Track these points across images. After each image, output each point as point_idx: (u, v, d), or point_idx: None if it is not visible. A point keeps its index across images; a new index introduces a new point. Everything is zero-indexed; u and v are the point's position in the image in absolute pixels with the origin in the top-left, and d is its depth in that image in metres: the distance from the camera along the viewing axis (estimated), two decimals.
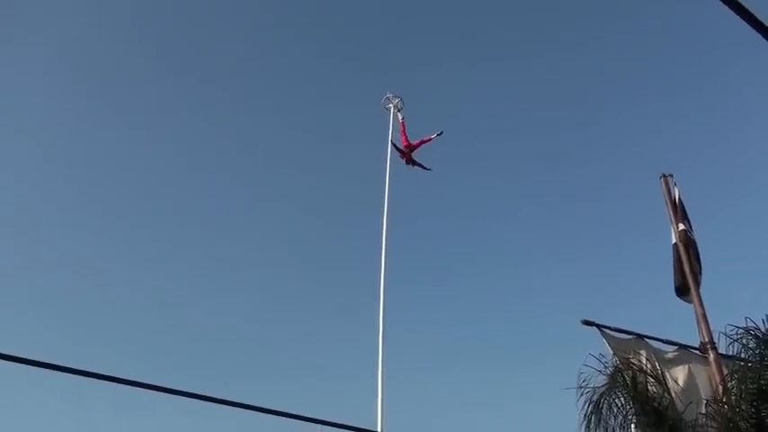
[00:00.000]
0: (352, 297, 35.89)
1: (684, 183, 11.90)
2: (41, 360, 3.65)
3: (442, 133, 22.42)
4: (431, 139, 22.14)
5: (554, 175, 43.87)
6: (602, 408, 9.19)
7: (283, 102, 45.59)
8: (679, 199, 11.54)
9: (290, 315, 40.54)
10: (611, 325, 10.10)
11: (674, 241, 11.11)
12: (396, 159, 21.64)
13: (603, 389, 9.33)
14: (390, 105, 23.19)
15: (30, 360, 3.57)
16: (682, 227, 11.18)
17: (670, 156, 38.31)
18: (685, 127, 42.54)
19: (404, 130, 22.24)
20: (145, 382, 3.76)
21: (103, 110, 42.77)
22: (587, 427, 9.05)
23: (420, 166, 21.84)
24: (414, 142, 21.96)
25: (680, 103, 42.08)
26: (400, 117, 22.72)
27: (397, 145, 21.81)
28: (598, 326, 10.11)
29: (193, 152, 44.11)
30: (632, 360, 9.70)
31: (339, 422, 4.41)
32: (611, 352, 9.88)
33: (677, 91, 42.02)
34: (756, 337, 9.30)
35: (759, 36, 3.97)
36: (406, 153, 21.63)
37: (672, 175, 11.75)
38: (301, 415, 4.12)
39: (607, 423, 9.12)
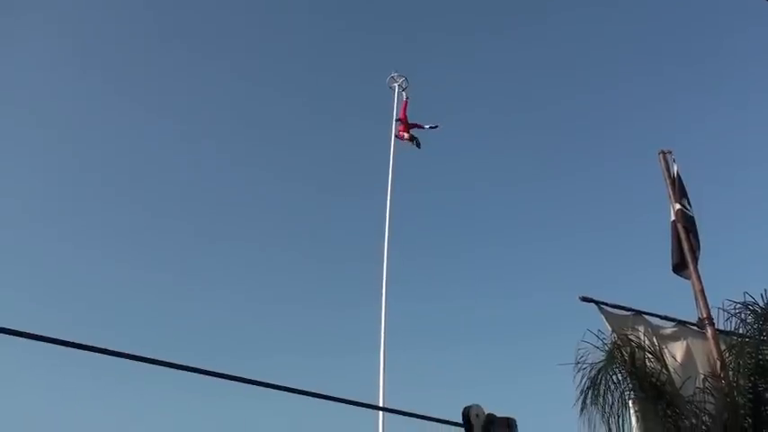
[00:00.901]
0: (354, 273, 35.61)
1: (683, 158, 11.85)
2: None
3: (437, 127, 22.42)
4: (423, 127, 22.14)
5: (553, 149, 43.33)
6: (599, 384, 9.21)
7: (282, 73, 44.80)
8: (678, 175, 11.49)
9: (290, 289, 40.24)
10: (610, 301, 10.08)
11: (672, 218, 11.09)
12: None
13: (601, 365, 9.34)
14: (395, 84, 23.09)
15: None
16: (679, 205, 11.15)
17: (669, 130, 37.89)
18: (685, 101, 42.06)
19: (405, 109, 22.24)
20: (135, 354, 3.73)
21: (95, 80, 41.73)
22: (584, 402, 9.07)
23: (414, 142, 21.77)
24: (410, 122, 22.00)
25: (680, 75, 41.56)
26: (404, 96, 22.68)
27: (397, 124, 21.89)
28: (596, 302, 10.10)
29: (189, 125, 43.43)
30: (630, 336, 9.72)
31: (340, 396, 4.37)
32: (610, 328, 9.88)
33: (678, 62, 41.42)
34: (755, 311, 9.32)
35: (764, 4, 3.89)
36: (404, 128, 21.66)
37: (671, 152, 11.69)
38: (301, 389, 4.09)
39: (604, 399, 9.14)
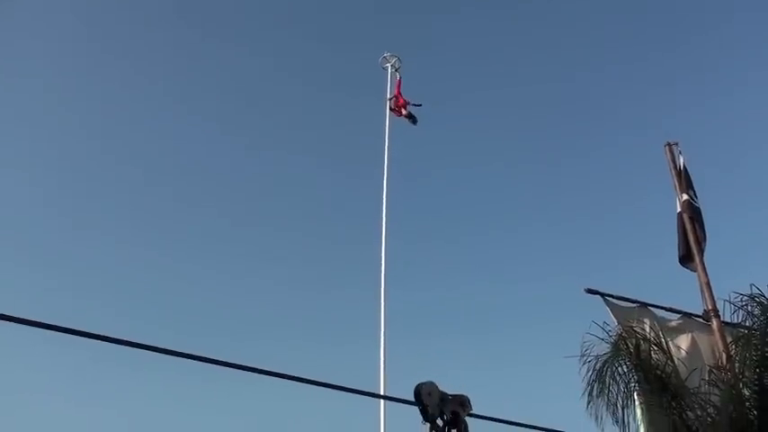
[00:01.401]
0: (352, 255, 34.87)
1: (689, 148, 11.79)
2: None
3: (420, 105, 22.00)
4: (408, 104, 21.74)
5: (558, 132, 42.08)
6: (605, 376, 9.20)
7: (274, 43, 43.65)
8: (684, 167, 11.45)
9: (286, 273, 38.74)
10: (614, 292, 10.08)
11: (678, 210, 11.05)
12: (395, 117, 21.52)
13: (606, 357, 9.33)
14: (388, 65, 22.77)
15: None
16: (686, 196, 11.12)
17: (673, 114, 37.14)
18: (688, 85, 41.12)
19: (399, 88, 21.96)
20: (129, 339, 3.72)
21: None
22: (590, 394, 9.07)
23: (409, 118, 21.53)
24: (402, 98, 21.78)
25: (684, 63, 40.75)
26: (398, 76, 22.37)
27: (392, 101, 21.66)
28: (602, 294, 10.11)
29: (179, 95, 42.31)
30: (636, 328, 9.70)
31: (340, 384, 4.35)
32: (615, 320, 9.88)
33: (683, 50, 40.53)
34: (761, 304, 9.27)
35: None
36: (400, 104, 21.49)
37: (677, 144, 11.66)
38: (300, 377, 4.08)
39: (610, 391, 9.13)
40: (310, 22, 42.08)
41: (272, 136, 42.89)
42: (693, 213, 11.03)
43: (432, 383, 4.75)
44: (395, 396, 5.32)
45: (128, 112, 39.87)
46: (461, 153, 40.62)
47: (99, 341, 3.53)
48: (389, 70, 22.62)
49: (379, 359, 15.52)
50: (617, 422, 8.90)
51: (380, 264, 17.43)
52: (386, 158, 19.94)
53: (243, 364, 3.80)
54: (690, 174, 11.35)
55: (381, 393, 13.01)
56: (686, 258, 10.77)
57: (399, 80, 22.28)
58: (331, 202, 41.27)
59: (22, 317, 3.74)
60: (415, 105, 21.85)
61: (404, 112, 21.44)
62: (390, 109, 21.43)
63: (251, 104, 42.91)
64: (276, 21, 43.80)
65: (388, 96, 21.78)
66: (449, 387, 4.87)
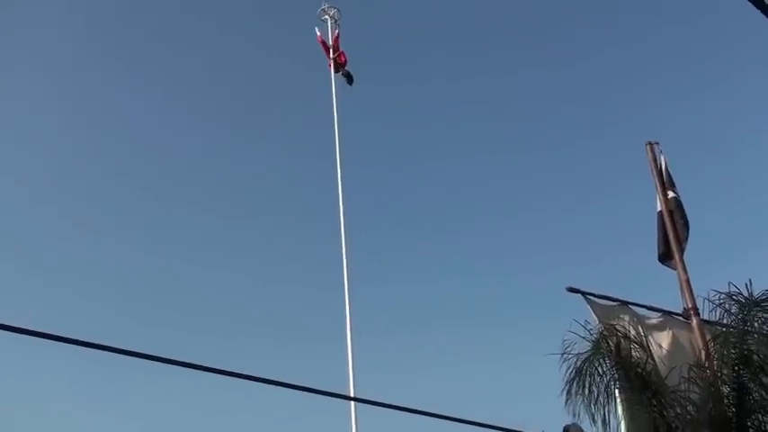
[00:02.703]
0: (312, 248, 33.89)
1: (671, 145, 11.84)
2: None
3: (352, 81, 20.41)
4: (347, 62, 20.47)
5: (529, 121, 41.06)
6: (585, 373, 9.27)
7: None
8: (666, 167, 11.52)
9: (244, 271, 37.60)
10: (596, 291, 10.14)
11: (659, 208, 11.13)
12: (342, 89, 20.08)
13: (587, 355, 9.40)
14: (326, 17, 21.18)
15: None
16: (671, 194, 11.19)
17: (656, 110, 36.91)
18: (670, 81, 40.84)
19: (337, 44, 20.56)
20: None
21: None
22: (569, 392, 9.14)
23: (346, 77, 20.23)
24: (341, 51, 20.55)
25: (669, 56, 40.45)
26: (336, 30, 20.86)
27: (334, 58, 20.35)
28: (583, 293, 10.17)
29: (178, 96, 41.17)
30: (616, 326, 9.78)
31: (307, 386, 4.34)
32: (596, 318, 9.94)
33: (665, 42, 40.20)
34: (739, 302, 9.37)
35: None
36: (339, 62, 20.30)
37: (658, 143, 11.73)
38: (270, 379, 4.07)
39: (590, 389, 9.20)
40: None
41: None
42: (675, 211, 11.10)
43: (577, 426, 4.85)
44: (364, 398, 5.32)
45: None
46: (438, 146, 39.73)
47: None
48: (329, 23, 21.06)
49: (348, 359, 14.94)
50: (594, 420, 8.97)
51: (342, 260, 16.66)
52: (336, 136, 18.61)
53: (206, 365, 3.79)
54: (671, 173, 11.41)
55: (351, 395, 12.76)
56: (666, 256, 10.85)
57: (338, 34, 20.74)
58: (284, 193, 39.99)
59: (20, 326, 3.71)
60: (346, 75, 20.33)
61: (342, 70, 20.14)
62: (333, 67, 20.09)
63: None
64: None
65: (330, 57, 20.29)
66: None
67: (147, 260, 36.62)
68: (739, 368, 9.13)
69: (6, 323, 3.49)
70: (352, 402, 13.38)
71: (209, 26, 40.26)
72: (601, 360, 9.47)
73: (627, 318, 10.11)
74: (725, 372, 9.26)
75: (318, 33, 20.95)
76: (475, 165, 39.22)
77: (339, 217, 17.45)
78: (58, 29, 37.08)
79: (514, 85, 40.68)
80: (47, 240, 36.42)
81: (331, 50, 20.46)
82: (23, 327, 3.54)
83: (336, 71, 20.17)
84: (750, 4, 3.41)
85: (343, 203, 17.61)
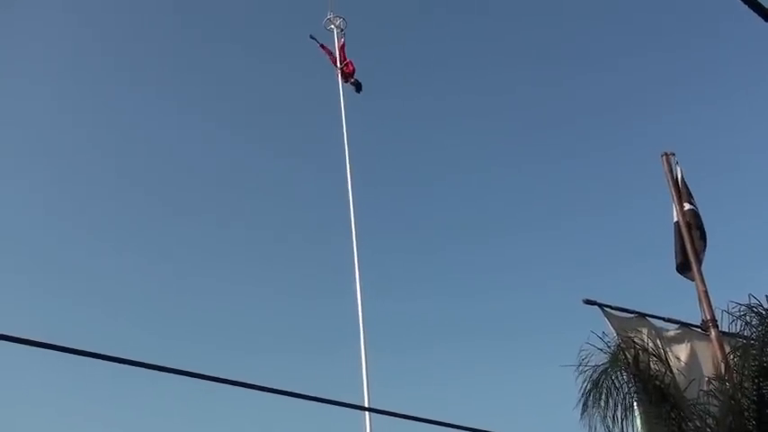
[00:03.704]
0: (325, 264, 33.79)
1: (687, 156, 11.78)
2: None
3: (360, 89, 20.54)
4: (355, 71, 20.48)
5: (543, 135, 40.88)
6: (601, 386, 9.18)
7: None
8: (682, 178, 11.46)
9: (257, 284, 37.38)
10: (613, 303, 10.08)
11: (675, 219, 11.06)
12: (351, 100, 20.04)
13: (604, 367, 9.31)
14: (332, 27, 21.05)
15: None
16: (688, 206, 11.12)
17: (670, 120, 36.52)
18: (686, 92, 40.40)
19: (344, 53, 20.56)
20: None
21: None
22: (585, 404, 9.05)
23: (355, 85, 20.19)
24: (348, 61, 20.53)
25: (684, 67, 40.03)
26: (342, 39, 20.80)
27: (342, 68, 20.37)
28: (600, 305, 10.11)
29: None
30: (634, 338, 9.69)
31: (323, 397, 4.34)
32: (613, 330, 9.87)
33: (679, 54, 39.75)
34: (759, 314, 9.24)
35: None
36: (347, 72, 20.29)
37: (674, 154, 11.67)
38: (284, 390, 4.08)
39: (607, 401, 9.11)
40: None
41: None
42: (692, 222, 11.03)
43: None
44: (380, 408, 5.32)
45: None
46: (452, 158, 39.60)
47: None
48: (335, 32, 20.98)
49: (362, 370, 14.92)
50: None
51: (354, 271, 16.59)
52: (347, 152, 18.60)
53: (229, 378, 3.81)
54: (687, 183, 11.35)
55: (366, 405, 12.79)
56: (684, 267, 10.76)
57: (344, 43, 20.71)
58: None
59: (20, 336, 3.76)
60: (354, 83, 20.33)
61: (350, 79, 20.12)
62: (342, 77, 20.11)
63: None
64: None
65: (338, 64, 20.33)
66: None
67: (156, 271, 37.02)
68: (760, 381, 9.00)
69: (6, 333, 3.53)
70: (367, 414, 13.40)
71: (221, 35, 40.61)
72: (618, 372, 9.38)
73: (644, 330, 10.03)
74: (745, 384, 9.12)
75: (318, 43, 20.97)
76: (489, 177, 39.27)
77: (351, 228, 17.40)
78: (58, 29, 37.51)
79: (528, 97, 40.58)
80: (46, 244, 36.70)
81: (338, 60, 20.50)
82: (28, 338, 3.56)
83: (345, 81, 20.19)
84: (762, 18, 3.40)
85: (354, 216, 17.57)
